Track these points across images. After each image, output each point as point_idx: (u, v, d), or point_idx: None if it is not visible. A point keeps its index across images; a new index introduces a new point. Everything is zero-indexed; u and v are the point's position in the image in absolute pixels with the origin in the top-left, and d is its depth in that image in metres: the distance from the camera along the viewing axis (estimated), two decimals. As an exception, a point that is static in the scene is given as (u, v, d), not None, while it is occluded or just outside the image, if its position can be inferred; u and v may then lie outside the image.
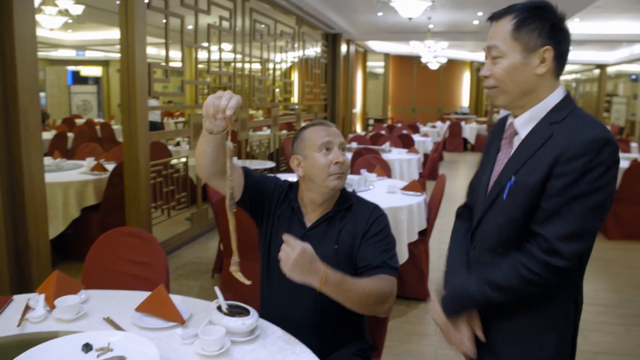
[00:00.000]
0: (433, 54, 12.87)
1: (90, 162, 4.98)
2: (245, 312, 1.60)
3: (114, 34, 4.23)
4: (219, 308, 1.62)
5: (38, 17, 6.96)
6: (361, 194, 3.74)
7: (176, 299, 1.78)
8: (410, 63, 18.06)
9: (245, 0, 6.55)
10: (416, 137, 9.31)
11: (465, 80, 19.07)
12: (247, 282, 1.54)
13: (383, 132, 9.83)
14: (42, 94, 13.80)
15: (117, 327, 1.64)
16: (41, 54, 13.68)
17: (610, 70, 18.71)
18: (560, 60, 1.38)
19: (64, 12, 7.00)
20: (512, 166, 1.41)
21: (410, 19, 5.89)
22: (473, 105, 19.17)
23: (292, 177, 2.10)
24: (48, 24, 6.91)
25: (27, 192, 3.07)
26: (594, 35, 11.67)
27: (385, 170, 4.89)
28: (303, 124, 9.37)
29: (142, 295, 1.82)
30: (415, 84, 18.45)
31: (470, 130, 14.26)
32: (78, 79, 15.26)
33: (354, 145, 7.25)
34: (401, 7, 5.58)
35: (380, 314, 1.72)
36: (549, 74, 1.38)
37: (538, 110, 1.39)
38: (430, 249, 4.58)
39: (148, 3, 4.36)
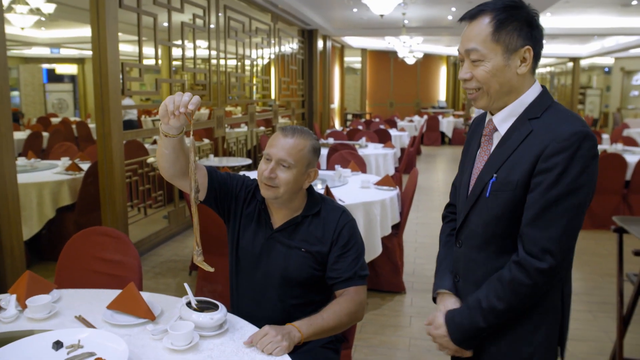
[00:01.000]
0: (409, 49, 12.97)
1: (65, 161, 4.95)
2: (214, 307, 1.64)
3: (89, 31, 4.19)
4: (189, 304, 1.66)
5: (9, 16, 6.87)
6: (335, 189, 3.84)
7: (147, 296, 1.82)
8: (387, 58, 18.16)
9: (219, -2, 6.55)
10: (393, 132, 9.38)
11: (442, 75, 19.25)
12: (211, 270, 1.60)
13: (360, 127, 9.91)
14: (15, 93, 13.59)
15: (89, 325, 1.67)
16: (14, 52, 13.46)
17: (583, 63, 19.03)
18: (537, 57, 1.41)
19: (36, 11, 6.92)
20: (493, 163, 1.42)
21: (381, 15, 5.94)
22: (450, 99, 19.38)
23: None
24: (19, 23, 6.82)
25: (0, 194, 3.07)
26: (566, 29, 11.87)
27: (360, 165, 4.95)
28: (281, 120, 9.36)
29: (114, 294, 1.85)
30: (393, 78, 18.56)
31: (448, 124, 14.43)
32: (53, 77, 15.03)
33: (331, 140, 7.31)
34: (373, 4, 5.64)
35: (356, 322, 1.85)
36: (528, 72, 1.39)
37: (516, 106, 1.41)
38: (405, 242, 4.67)
39: (120, 1, 4.35)
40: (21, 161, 5.21)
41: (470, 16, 1.40)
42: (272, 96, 9.46)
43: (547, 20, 10.93)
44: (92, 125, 9.54)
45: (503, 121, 1.43)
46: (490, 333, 1.45)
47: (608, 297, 4.02)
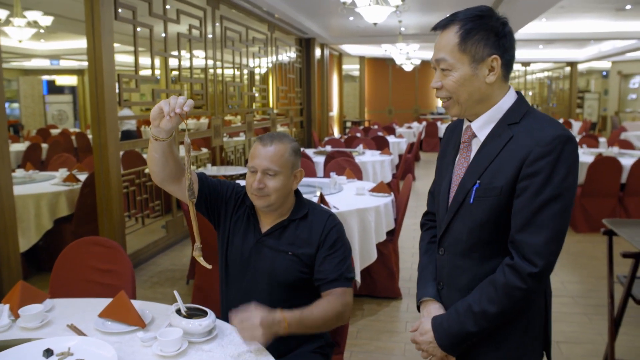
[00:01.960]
0: (405, 56, 13.03)
1: (62, 173, 4.99)
2: (203, 314, 1.67)
3: (87, 42, 4.26)
4: (178, 311, 1.68)
5: (7, 29, 6.93)
6: (330, 197, 3.87)
7: (138, 304, 1.85)
8: (385, 65, 18.23)
9: (215, 8, 6.61)
10: (391, 139, 9.42)
11: (441, 81, 19.26)
12: (209, 267, 1.64)
13: (359, 134, 9.94)
14: (15, 105, 13.65)
15: (80, 333, 1.69)
16: (14, 64, 13.56)
17: (581, 67, 19.10)
18: (508, 65, 1.41)
19: (33, 24, 6.98)
20: (475, 169, 1.43)
21: (375, 24, 5.99)
22: (449, 105, 19.38)
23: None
24: (17, 36, 6.88)
25: (-4, 205, 3.10)
26: (562, 34, 11.94)
27: (356, 172, 4.97)
28: (279, 129, 9.39)
29: (106, 302, 1.87)
30: (391, 85, 18.61)
31: (446, 130, 14.43)
32: (53, 88, 15.12)
33: (328, 148, 7.34)
34: (366, 13, 5.70)
35: (341, 324, 1.86)
36: (499, 80, 1.40)
37: (494, 112, 1.43)
38: (402, 248, 4.69)
39: (115, 13, 4.40)
40: (19, 173, 5.25)
41: (441, 26, 1.43)
42: (270, 105, 9.52)
43: (543, 26, 11.00)
44: (91, 136, 9.57)
45: (482, 127, 1.45)
46: (478, 339, 1.45)
47: (604, 299, 4.03)
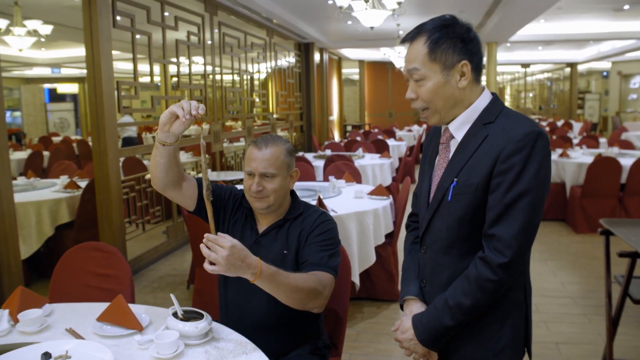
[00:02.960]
0: (404, 59, 13.04)
1: (63, 180, 5.02)
2: (199, 317, 1.69)
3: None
4: (175, 314, 1.70)
5: (7, 39, 6.99)
6: (328, 200, 3.88)
7: (136, 308, 1.87)
8: (385, 69, 18.27)
9: (213, 15, 6.65)
10: (391, 142, 9.44)
11: (441, 83, 19.28)
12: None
13: (359, 138, 9.96)
14: (17, 113, 13.72)
15: (79, 337, 1.71)
16: (16, 72, 13.63)
17: (581, 68, 19.12)
18: (478, 68, 1.47)
19: (33, 33, 7.03)
20: (453, 169, 1.48)
21: (372, 28, 6.03)
22: (449, 108, 19.40)
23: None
24: (17, 45, 6.93)
25: (-3, 213, 3.13)
26: (560, 35, 11.96)
27: (355, 176, 4.99)
28: (280, 133, 9.42)
29: (104, 306, 1.89)
30: (391, 89, 18.65)
31: (447, 133, 14.44)
32: (55, 96, 15.21)
33: (328, 152, 7.36)
34: (362, 17, 5.73)
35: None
36: (471, 83, 1.46)
37: (470, 113, 1.48)
38: (400, 251, 4.69)
39: (113, 21, 4.44)
40: (21, 180, 5.29)
41: (409, 38, 1.49)
42: (270, 109, 9.55)
43: (541, 27, 11.03)
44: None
45: (459, 128, 1.50)
46: (458, 333, 1.49)
47: (603, 300, 4.02)
